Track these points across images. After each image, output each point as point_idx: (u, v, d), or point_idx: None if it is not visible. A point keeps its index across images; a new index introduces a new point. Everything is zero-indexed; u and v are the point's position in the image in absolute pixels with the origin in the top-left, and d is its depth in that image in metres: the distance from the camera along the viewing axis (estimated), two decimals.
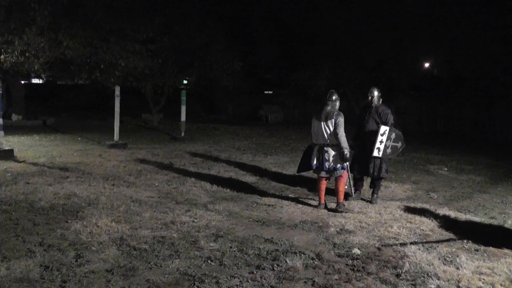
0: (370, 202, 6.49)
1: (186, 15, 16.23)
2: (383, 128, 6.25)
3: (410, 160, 10.66)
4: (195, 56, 16.59)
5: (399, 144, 6.46)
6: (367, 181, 6.90)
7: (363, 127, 6.57)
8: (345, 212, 5.83)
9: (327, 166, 5.84)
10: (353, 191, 6.58)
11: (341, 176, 5.92)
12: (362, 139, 6.54)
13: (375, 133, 6.27)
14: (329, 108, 5.88)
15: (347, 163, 5.94)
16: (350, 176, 6.30)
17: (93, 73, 13.58)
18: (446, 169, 9.74)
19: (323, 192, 6.04)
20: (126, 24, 13.52)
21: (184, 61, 16.64)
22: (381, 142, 6.25)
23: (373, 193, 6.60)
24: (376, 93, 6.58)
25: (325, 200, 6.08)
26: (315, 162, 5.94)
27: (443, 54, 18.29)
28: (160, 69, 15.74)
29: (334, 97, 5.94)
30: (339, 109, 5.97)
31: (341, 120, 5.77)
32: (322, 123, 5.84)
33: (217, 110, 23.53)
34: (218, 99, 23.46)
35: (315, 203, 6.20)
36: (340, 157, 5.78)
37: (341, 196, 5.94)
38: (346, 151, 5.73)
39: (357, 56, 18.82)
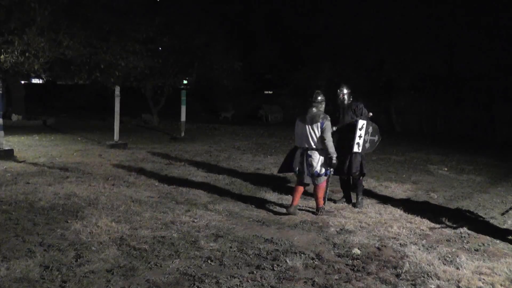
0: (354, 206, 6.15)
1: (186, 15, 16.24)
2: (361, 122, 5.96)
3: (410, 160, 10.66)
4: (195, 56, 16.59)
5: (376, 138, 6.22)
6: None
7: (338, 125, 6.15)
8: (325, 215, 5.70)
9: (310, 172, 5.60)
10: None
11: (321, 184, 5.70)
12: (341, 139, 6.13)
13: (353, 127, 5.97)
14: (314, 110, 5.62)
15: (332, 169, 5.71)
16: (328, 184, 6.05)
17: (93, 73, 13.58)
18: (446, 169, 9.74)
19: (299, 195, 5.74)
20: (126, 24, 13.52)
21: (184, 61, 16.64)
22: (360, 136, 5.99)
23: (357, 195, 6.24)
24: (345, 90, 6.25)
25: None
26: (298, 166, 5.68)
27: (443, 54, 18.25)
28: (160, 69, 15.74)
29: (319, 98, 5.67)
30: (325, 111, 5.71)
31: (328, 124, 5.53)
32: (307, 126, 5.60)
33: (217, 110, 23.52)
34: (218, 99, 23.45)
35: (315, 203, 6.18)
36: (327, 162, 5.58)
37: (321, 201, 5.77)
38: (334, 156, 5.51)
39: (357, 56, 18.81)
